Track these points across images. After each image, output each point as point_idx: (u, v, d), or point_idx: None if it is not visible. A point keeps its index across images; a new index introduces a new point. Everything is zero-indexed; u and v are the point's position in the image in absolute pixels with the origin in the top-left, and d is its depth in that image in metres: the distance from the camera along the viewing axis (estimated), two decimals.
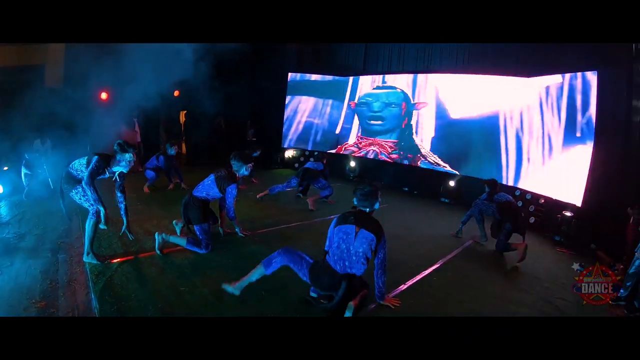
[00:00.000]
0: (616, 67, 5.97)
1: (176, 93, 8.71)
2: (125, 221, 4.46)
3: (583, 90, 6.46)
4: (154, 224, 5.66)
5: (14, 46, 7.79)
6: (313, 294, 3.63)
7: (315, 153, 10.73)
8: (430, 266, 4.90)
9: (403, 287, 4.21)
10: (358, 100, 11.40)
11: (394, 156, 10.62)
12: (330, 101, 11.98)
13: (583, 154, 6.38)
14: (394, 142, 10.62)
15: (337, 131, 11.91)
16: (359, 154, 11.42)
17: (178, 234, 4.98)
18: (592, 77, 6.30)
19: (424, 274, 4.64)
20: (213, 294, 3.68)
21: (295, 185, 7.46)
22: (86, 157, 4.19)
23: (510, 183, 7.97)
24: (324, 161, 7.70)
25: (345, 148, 11.77)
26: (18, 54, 7.98)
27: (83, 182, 4.04)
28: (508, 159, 8.10)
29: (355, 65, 11.62)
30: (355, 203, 3.50)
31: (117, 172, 4.30)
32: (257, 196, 7.38)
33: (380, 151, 10.91)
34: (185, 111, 11.60)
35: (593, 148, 6.20)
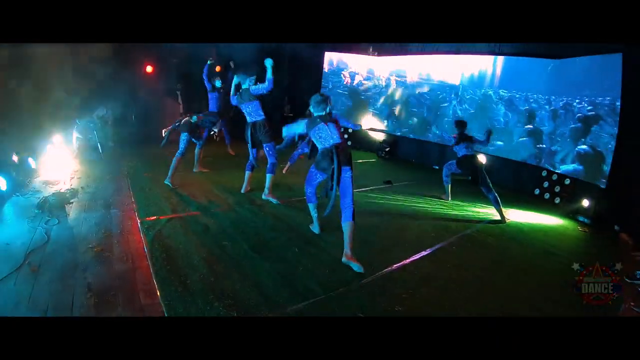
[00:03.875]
0: None
1: (218, 68, 8.98)
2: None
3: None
4: (196, 187, 6.08)
5: None
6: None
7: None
8: (452, 236, 5.03)
9: (424, 253, 4.40)
10: None
11: None
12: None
13: (608, 136, 6.30)
14: None
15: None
16: None
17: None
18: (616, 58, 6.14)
19: (445, 243, 4.77)
20: (252, 248, 4.01)
21: (307, 149, 7.35)
22: None
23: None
24: None
25: None
26: None
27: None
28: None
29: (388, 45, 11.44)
30: (312, 110, 4.27)
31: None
32: (283, 171, 7.41)
33: None
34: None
35: (618, 130, 6.09)
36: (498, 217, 5.83)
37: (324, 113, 4.19)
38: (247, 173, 5.94)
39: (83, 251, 3.67)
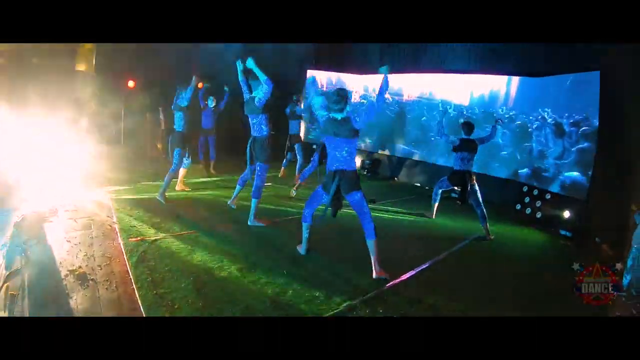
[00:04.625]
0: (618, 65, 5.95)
1: (200, 85, 8.92)
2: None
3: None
4: (179, 207, 5.97)
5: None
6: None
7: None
8: (438, 254, 5.02)
9: (411, 272, 4.37)
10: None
11: None
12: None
13: (587, 151, 6.45)
14: None
15: None
16: None
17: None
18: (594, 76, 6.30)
19: (431, 262, 4.75)
20: (239, 270, 3.94)
21: (317, 162, 7.15)
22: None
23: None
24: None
25: None
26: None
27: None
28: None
29: (372, 63, 11.47)
30: (330, 109, 3.92)
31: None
32: (292, 193, 7.18)
33: None
34: None
35: (597, 143, 6.24)
36: (482, 234, 5.86)
37: (340, 117, 3.86)
38: (238, 187, 5.85)
39: (64, 274, 3.53)
